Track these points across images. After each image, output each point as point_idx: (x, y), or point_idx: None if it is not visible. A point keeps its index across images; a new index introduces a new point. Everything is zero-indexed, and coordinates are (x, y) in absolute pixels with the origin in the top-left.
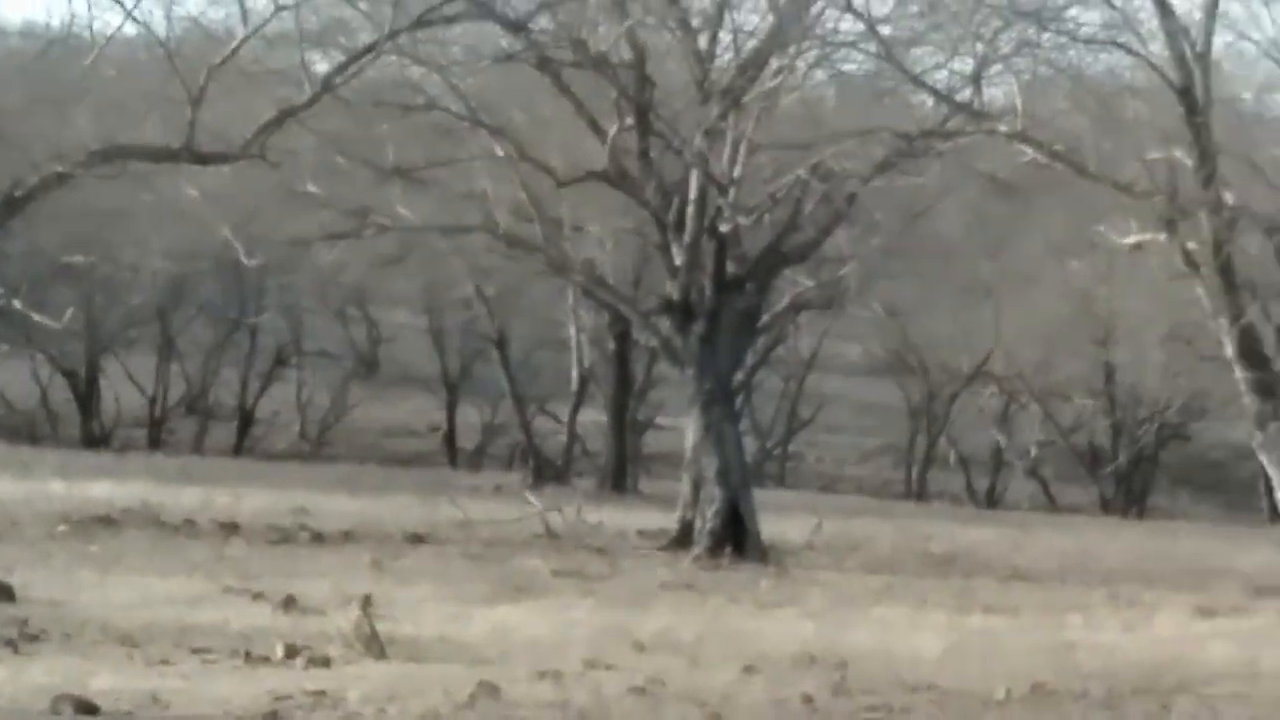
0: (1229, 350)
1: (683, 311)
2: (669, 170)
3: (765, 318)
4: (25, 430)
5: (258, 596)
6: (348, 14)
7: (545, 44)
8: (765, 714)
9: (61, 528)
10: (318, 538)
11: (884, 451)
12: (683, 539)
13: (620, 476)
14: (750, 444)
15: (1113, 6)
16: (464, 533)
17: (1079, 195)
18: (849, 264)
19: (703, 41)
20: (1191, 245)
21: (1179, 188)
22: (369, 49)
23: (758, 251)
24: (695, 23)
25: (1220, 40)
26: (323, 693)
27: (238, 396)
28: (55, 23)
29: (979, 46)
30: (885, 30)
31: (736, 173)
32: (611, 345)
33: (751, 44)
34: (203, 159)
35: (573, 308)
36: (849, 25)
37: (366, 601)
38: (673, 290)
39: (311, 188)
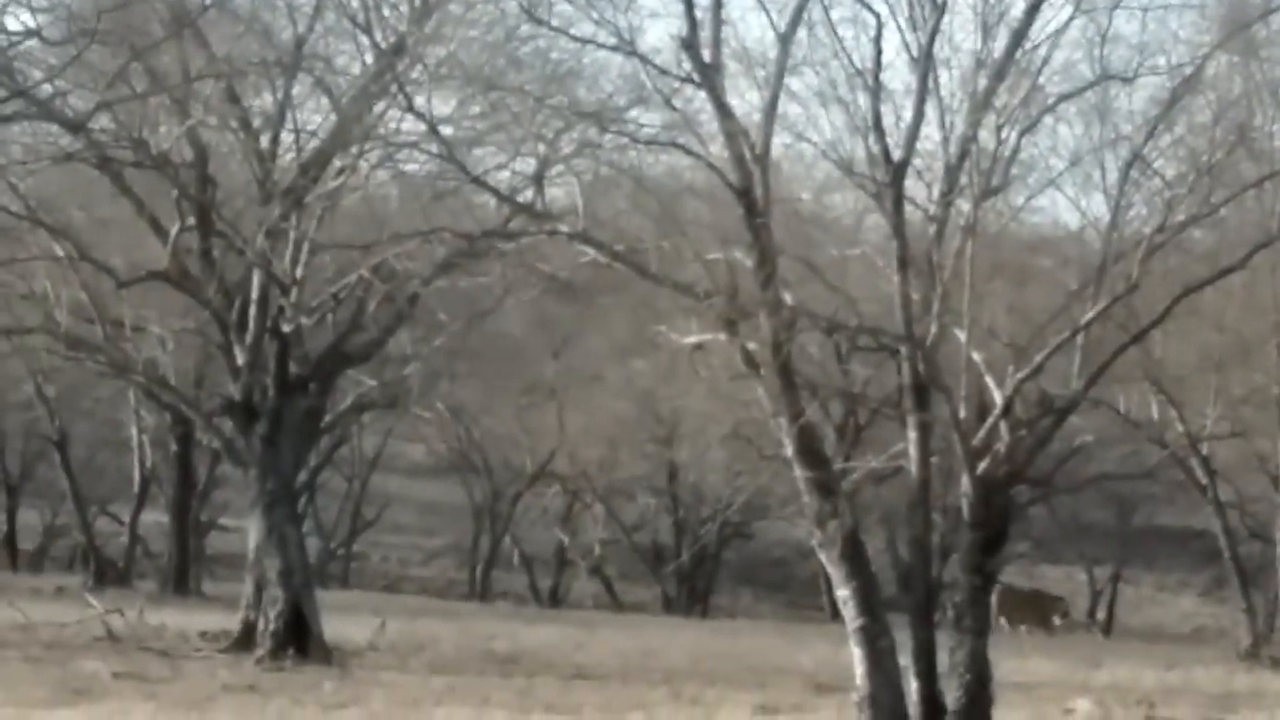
0: (789, 449)
1: (245, 412)
2: (231, 270)
3: (329, 418)
4: None
5: None
6: None
7: (105, 143)
8: None
9: None
10: None
11: (448, 551)
12: (246, 640)
13: (183, 578)
14: (314, 544)
15: (673, 108)
16: (24, 635)
17: (641, 295)
18: (412, 364)
19: (265, 141)
20: (751, 345)
21: (739, 288)
22: None
23: (320, 352)
24: (257, 123)
25: (779, 141)
26: None
27: None
28: None
29: (541, 147)
30: (447, 131)
31: (299, 273)
32: (174, 446)
33: (314, 144)
34: None
35: (135, 408)
36: (411, 125)
37: None
38: (235, 391)
39: None
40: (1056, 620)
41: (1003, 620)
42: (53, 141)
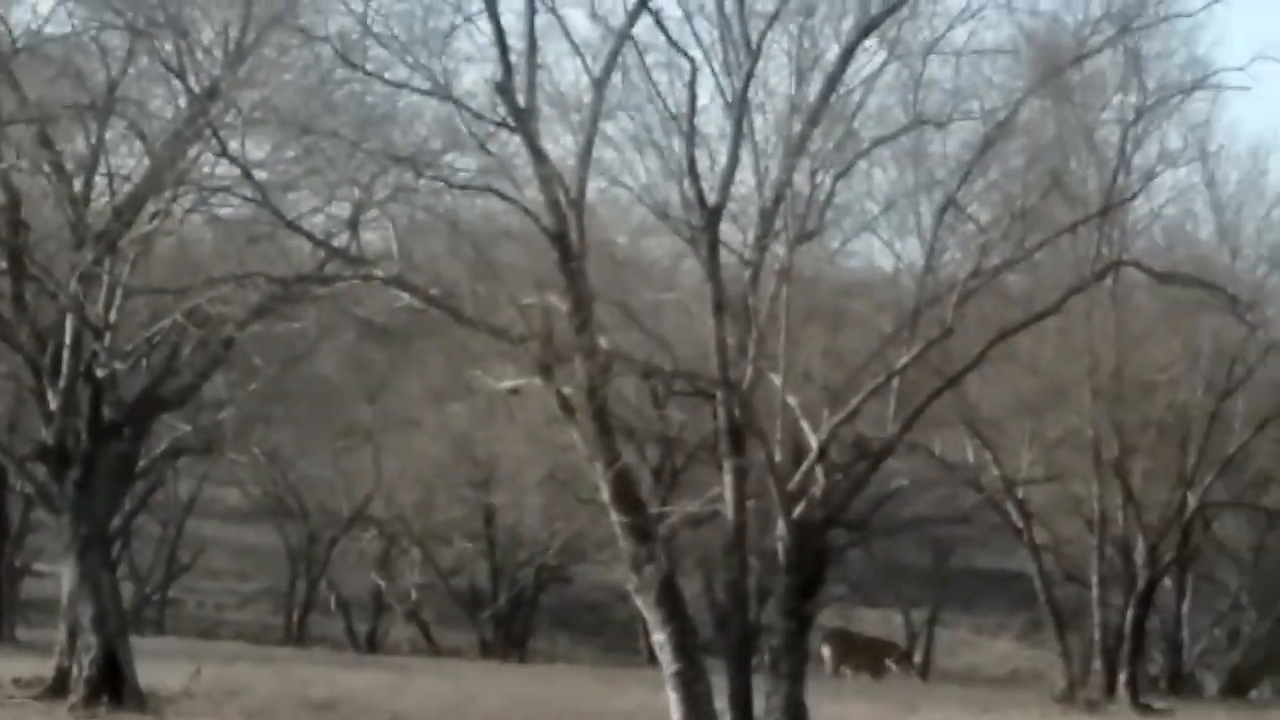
0: (605, 494)
1: (58, 457)
2: (44, 314)
3: (143, 462)
4: None
5: None
6: None
7: None
8: None
9: None
10: None
11: (264, 596)
12: (59, 687)
13: None
14: (129, 590)
15: (488, 152)
16: None
17: (457, 339)
18: (227, 408)
19: (78, 185)
20: (567, 390)
21: (554, 332)
22: None
23: (134, 396)
24: (70, 166)
25: (594, 186)
26: None
27: None
28: None
29: (355, 192)
30: (262, 175)
31: (112, 317)
32: None
33: (127, 188)
34: None
35: None
36: (225, 169)
37: None
38: (48, 436)
39: None
40: (892, 666)
41: (844, 669)
42: None
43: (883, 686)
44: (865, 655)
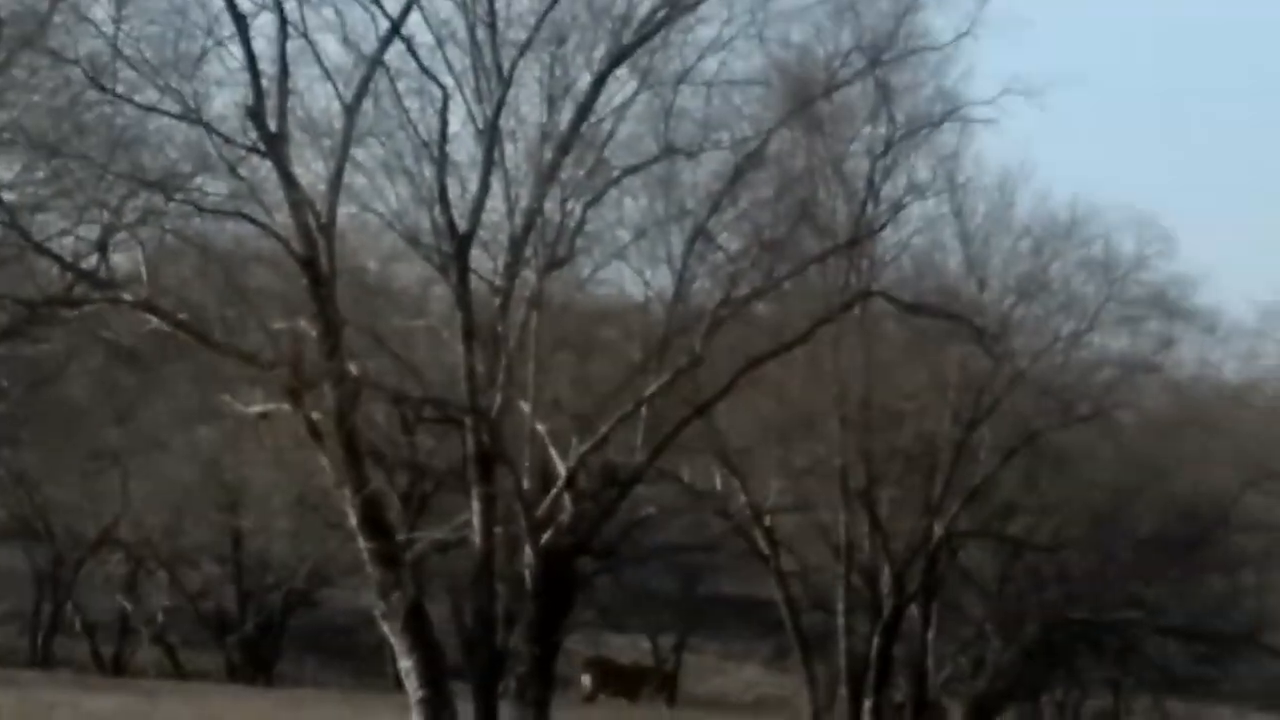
0: (353, 519)
1: None
2: None
3: None
4: None
5: None
6: None
7: None
8: None
9: None
10: None
11: (8, 618)
12: None
13: None
14: None
15: (239, 177)
16: None
17: (206, 364)
18: None
19: None
20: (316, 415)
21: (304, 357)
22: None
23: None
24: None
25: (345, 211)
26: None
27: None
28: None
29: (105, 214)
30: (10, 196)
31: None
32: None
33: None
34: None
35: None
36: None
37: None
38: None
39: None
40: (657, 693)
41: (602, 695)
42: None
43: (630, 712)
44: (626, 681)
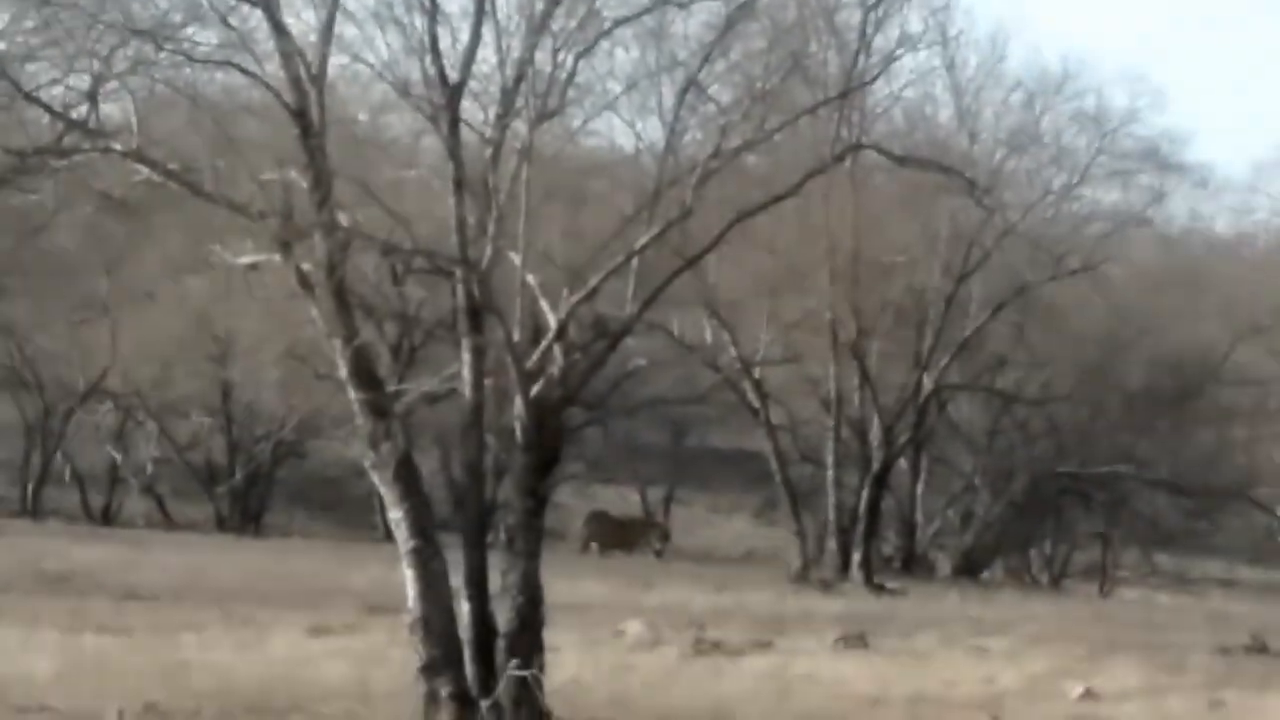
0: (343, 371)
1: None
2: None
3: None
4: None
5: None
6: None
7: None
8: None
9: None
10: None
11: None
12: None
13: None
14: None
15: (229, 26)
16: None
17: (196, 214)
18: None
19: None
20: (306, 266)
21: (294, 209)
22: None
23: None
24: None
25: (336, 62)
26: None
27: None
28: None
29: (95, 64)
30: None
31: None
32: None
33: None
34: None
35: None
36: None
37: None
38: None
39: None
40: (656, 543)
41: (593, 544)
42: None
43: (620, 564)
44: (624, 532)
